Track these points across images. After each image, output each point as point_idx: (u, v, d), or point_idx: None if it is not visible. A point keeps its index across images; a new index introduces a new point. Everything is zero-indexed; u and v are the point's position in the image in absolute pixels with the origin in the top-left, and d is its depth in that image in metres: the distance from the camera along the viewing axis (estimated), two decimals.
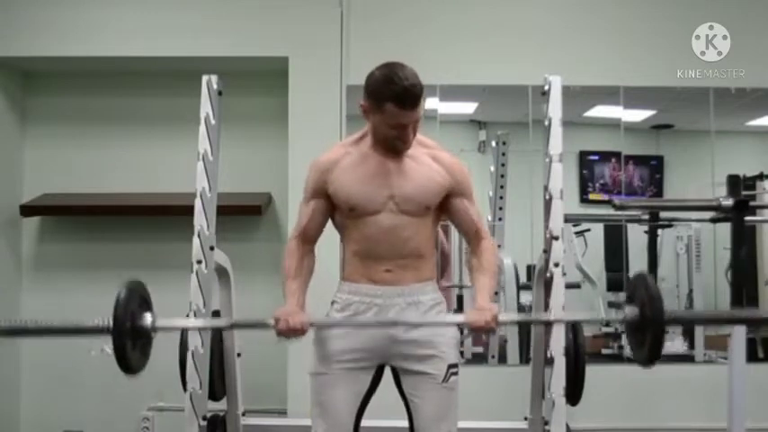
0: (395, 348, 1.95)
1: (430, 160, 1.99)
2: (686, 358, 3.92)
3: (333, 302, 2.02)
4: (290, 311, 1.85)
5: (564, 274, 2.48)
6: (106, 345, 1.76)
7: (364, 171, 1.96)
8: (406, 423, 2.01)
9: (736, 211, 2.80)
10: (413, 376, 1.96)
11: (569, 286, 2.56)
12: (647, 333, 1.75)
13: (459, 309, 3.97)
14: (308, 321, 1.85)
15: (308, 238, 2.02)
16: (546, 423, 2.49)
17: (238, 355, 2.87)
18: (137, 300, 1.79)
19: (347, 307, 1.98)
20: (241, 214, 3.65)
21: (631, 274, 3.87)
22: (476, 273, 1.99)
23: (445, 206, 2.02)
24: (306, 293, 1.96)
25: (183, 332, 2.59)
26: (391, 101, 1.84)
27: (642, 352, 1.80)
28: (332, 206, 2.01)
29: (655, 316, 1.73)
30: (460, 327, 2.00)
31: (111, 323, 1.72)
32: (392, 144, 1.94)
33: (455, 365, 1.98)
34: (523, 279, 3.87)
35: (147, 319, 1.81)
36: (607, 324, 4.12)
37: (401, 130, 1.89)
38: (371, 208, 1.94)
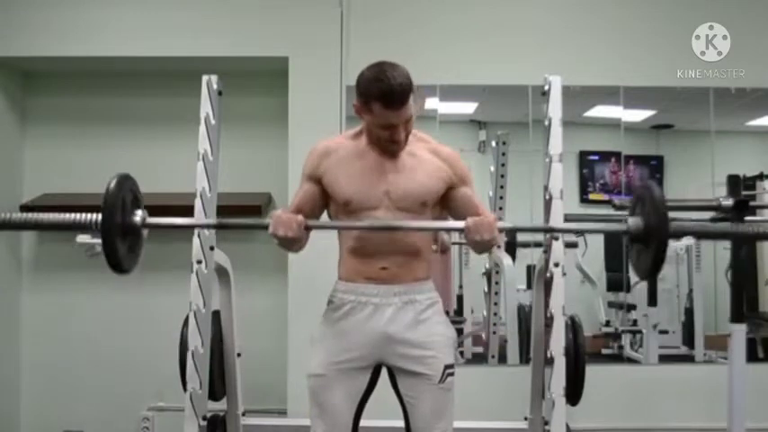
0: (391, 348, 1.95)
1: (429, 155, 1.98)
2: (686, 358, 3.93)
3: (329, 302, 2.02)
4: (285, 211, 1.87)
5: (564, 274, 2.48)
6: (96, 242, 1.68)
7: (361, 166, 1.95)
8: (403, 423, 2.01)
9: (736, 211, 2.80)
10: (409, 377, 1.96)
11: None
12: (650, 244, 1.72)
13: (459, 309, 3.98)
14: (303, 220, 1.83)
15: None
16: (546, 423, 2.49)
17: (238, 355, 2.87)
18: (127, 194, 1.74)
19: (342, 306, 1.97)
20: (241, 214, 3.64)
21: (631, 274, 3.87)
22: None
23: (447, 199, 2.00)
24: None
25: (183, 332, 2.59)
26: (378, 100, 1.83)
27: (644, 263, 1.76)
28: (325, 196, 1.99)
29: (660, 227, 1.69)
30: (461, 233, 1.91)
31: (100, 219, 1.66)
32: (385, 146, 1.93)
33: (451, 366, 1.97)
34: (523, 280, 3.87)
35: (138, 215, 1.76)
36: (607, 323, 4.13)
37: (392, 131, 1.88)
38: (367, 204, 1.93)
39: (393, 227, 1.90)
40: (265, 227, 1.84)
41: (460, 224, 1.86)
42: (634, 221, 1.77)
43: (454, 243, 3.89)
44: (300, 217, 1.84)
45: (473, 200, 2.02)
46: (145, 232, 1.79)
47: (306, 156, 2.03)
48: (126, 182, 1.75)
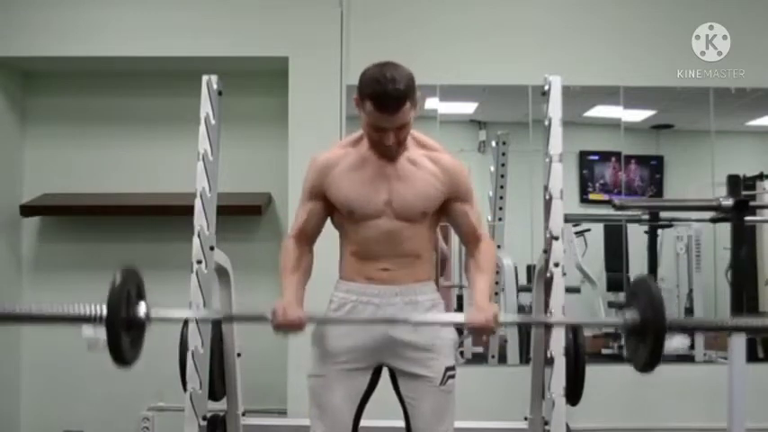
0: (392, 349, 1.94)
1: (429, 163, 1.95)
2: (686, 358, 3.92)
3: (330, 302, 2.02)
4: (287, 305, 1.82)
5: (564, 274, 2.48)
6: (100, 334, 1.70)
7: (363, 175, 1.93)
8: (404, 424, 2.01)
9: (736, 211, 2.80)
10: (410, 378, 1.95)
11: (569, 290, 2.55)
12: (647, 338, 1.72)
13: (459, 309, 3.97)
14: (305, 316, 1.82)
15: (306, 239, 2.00)
16: (546, 423, 2.49)
17: (238, 355, 2.87)
18: (131, 288, 1.73)
19: (343, 306, 1.97)
20: (241, 214, 3.65)
21: (631, 274, 3.87)
22: (474, 273, 1.96)
23: (445, 209, 1.99)
24: (304, 290, 1.94)
25: (183, 332, 2.59)
26: (370, 100, 1.80)
27: (641, 357, 1.77)
28: (330, 207, 1.99)
29: (656, 321, 1.70)
30: (459, 327, 1.97)
31: (105, 312, 1.66)
32: (375, 148, 1.90)
33: (452, 368, 1.96)
34: (523, 279, 3.87)
35: (142, 308, 1.75)
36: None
37: (381, 134, 1.84)
38: (369, 214, 1.92)
39: (394, 320, 1.91)
40: (268, 320, 1.82)
41: (461, 319, 1.86)
42: (631, 316, 1.78)
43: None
44: (301, 314, 1.82)
45: (470, 219, 1.99)
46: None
47: (306, 169, 2.00)
48: (130, 276, 1.75)
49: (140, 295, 1.78)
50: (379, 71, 1.81)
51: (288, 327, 1.80)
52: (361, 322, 1.95)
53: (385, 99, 1.78)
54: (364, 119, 1.88)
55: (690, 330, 1.92)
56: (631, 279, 1.95)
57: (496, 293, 3.81)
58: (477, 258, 1.97)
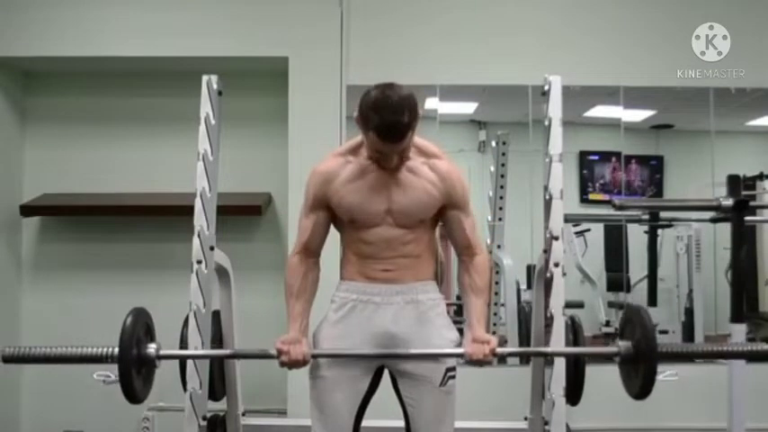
0: (392, 349, 1.94)
1: (428, 171, 1.96)
2: (686, 358, 3.92)
3: (331, 302, 2.02)
4: (292, 340, 1.88)
5: (564, 274, 2.48)
6: (111, 372, 1.80)
7: (363, 184, 1.94)
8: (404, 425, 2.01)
9: (736, 211, 2.79)
10: (410, 379, 1.95)
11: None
12: (639, 368, 1.79)
13: (459, 309, 3.96)
14: (309, 353, 1.88)
15: (311, 252, 2.01)
16: (546, 423, 2.49)
17: None
18: (141, 328, 1.84)
19: (344, 305, 1.97)
20: (241, 214, 3.65)
21: (632, 274, 3.88)
22: (469, 294, 1.96)
23: (441, 214, 2.01)
24: (309, 313, 1.96)
25: (183, 332, 2.59)
26: (374, 131, 1.80)
27: (634, 385, 1.83)
28: (332, 216, 2.01)
29: (649, 352, 1.77)
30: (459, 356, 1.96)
31: (117, 352, 1.77)
32: (378, 163, 1.92)
33: (452, 369, 1.97)
34: (523, 280, 3.86)
35: (152, 348, 1.86)
36: (607, 323, 4.13)
37: (383, 156, 1.87)
38: (370, 221, 1.94)
39: (395, 355, 1.93)
40: (274, 357, 1.89)
41: (460, 351, 1.90)
42: (624, 345, 1.85)
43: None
44: (306, 352, 1.88)
45: (464, 228, 2.00)
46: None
47: (306, 180, 2.01)
48: (140, 316, 1.87)
49: (151, 335, 1.89)
50: (383, 99, 1.79)
51: (293, 365, 1.88)
52: (361, 355, 1.95)
53: (389, 131, 1.79)
54: (366, 141, 1.89)
55: (683, 358, 1.98)
56: (625, 307, 2.03)
57: (496, 293, 3.81)
58: (471, 276, 1.97)
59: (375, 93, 1.82)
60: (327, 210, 1.99)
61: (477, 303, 1.94)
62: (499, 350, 1.86)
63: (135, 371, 1.80)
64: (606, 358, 1.96)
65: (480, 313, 1.92)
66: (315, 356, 1.91)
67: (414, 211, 1.94)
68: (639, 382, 1.80)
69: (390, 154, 1.86)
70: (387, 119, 1.77)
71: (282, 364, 1.87)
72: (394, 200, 1.93)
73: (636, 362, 1.81)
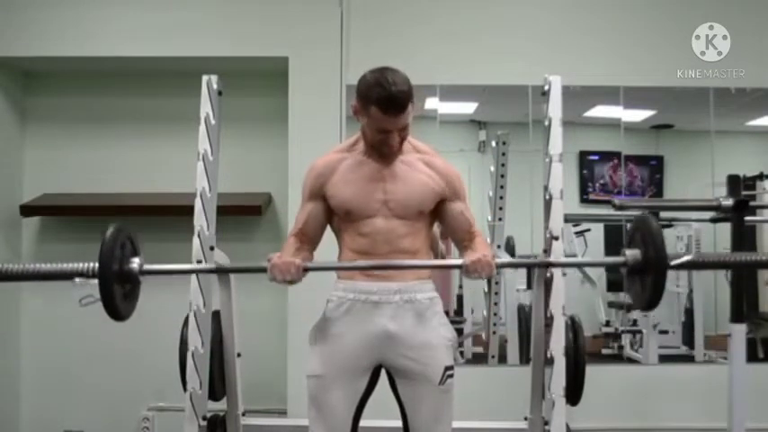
0: (391, 348, 1.95)
1: (423, 166, 2.00)
2: (686, 358, 3.93)
3: (328, 301, 2.02)
4: (284, 254, 1.91)
5: (564, 274, 2.48)
6: (93, 291, 1.70)
7: (359, 176, 1.97)
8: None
9: (736, 211, 2.80)
10: (408, 378, 1.95)
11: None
12: (648, 276, 1.72)
13: (459, 309, 3.98)
14: (301, 264, 1.87)
15: (307, 238, 2.03)
16: (546, 423, 2.49)
17: (238, 355, 2.86)
18: (123, 242, 1.76)
19: (341, 304, 1.98)
20: (241, 214, 3.65)
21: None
22: (469, 249, 1.99)
23: (439, 211, 2.02)
24: (304, 260, 1.94)
25: (183, 332, 2.59)
26: (376, 105, 1.85)
27: (643, 296, 1.76)
28: (329, 210, 2.02)
29: (658, 258, 1.69)
30: (459, 268, 1.94)
31: (97, 267, 1.69)
32: (379, 149, 1.95)
33: (450, 367, 1.97)
34: (523, 279, 3.87)
35: (135, 262, 1.78)
36: (607, 323, 4.13)
37: (386, 135, 1.90)
38: (366, 212, 1.96)
39: (391, 266, 1.94)
40: (264, 270, 1.88)
41: (459, 262, 1.91)
42: (632, 254, 1.77)
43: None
44: (298, 261, 1.87)
45: (465, 215, 2.03)
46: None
47: (305, 174, 2.05)
48: (122, 230, 1.80)
49: (134, 250, 1.81)
50: (380, 76, 1.87)
51: (283, 267, 1.85)
52: (360, 267, 1.96)
53: (391, 101, 1.84)
54: (366, 123, 1.92)
55: (692, 267, 1.91)
56: (634, 219, 1.90)
57: (496, 293, 3.81)
58: (471, 242, 2.00)
59: (372, 73, 1.90)
60: (323, 201, 2.01)
61: (477, 244, 1.98)
62: (498, 260, 1.88)
63: (118, 287, 1.72)
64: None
65: (479, 245, 1.96)
66: (307, 270, 1.88)
67: (410, 200, 1.96)
68: (648, 293, 1.73)
69: (392, 132, 1.89)
70: (388, 89, 1.83)
71: (273, 267, 1.86)
72: (390, 190, 1.96)
73: (644, 271, 1.74)
